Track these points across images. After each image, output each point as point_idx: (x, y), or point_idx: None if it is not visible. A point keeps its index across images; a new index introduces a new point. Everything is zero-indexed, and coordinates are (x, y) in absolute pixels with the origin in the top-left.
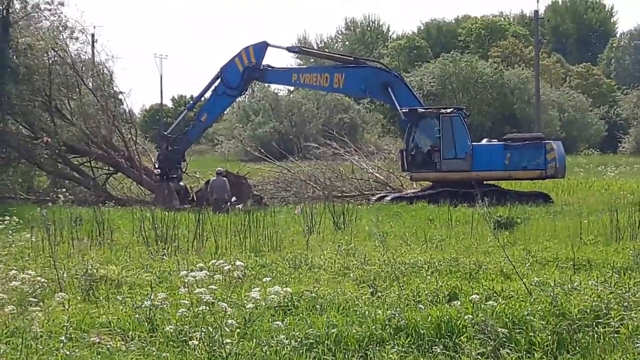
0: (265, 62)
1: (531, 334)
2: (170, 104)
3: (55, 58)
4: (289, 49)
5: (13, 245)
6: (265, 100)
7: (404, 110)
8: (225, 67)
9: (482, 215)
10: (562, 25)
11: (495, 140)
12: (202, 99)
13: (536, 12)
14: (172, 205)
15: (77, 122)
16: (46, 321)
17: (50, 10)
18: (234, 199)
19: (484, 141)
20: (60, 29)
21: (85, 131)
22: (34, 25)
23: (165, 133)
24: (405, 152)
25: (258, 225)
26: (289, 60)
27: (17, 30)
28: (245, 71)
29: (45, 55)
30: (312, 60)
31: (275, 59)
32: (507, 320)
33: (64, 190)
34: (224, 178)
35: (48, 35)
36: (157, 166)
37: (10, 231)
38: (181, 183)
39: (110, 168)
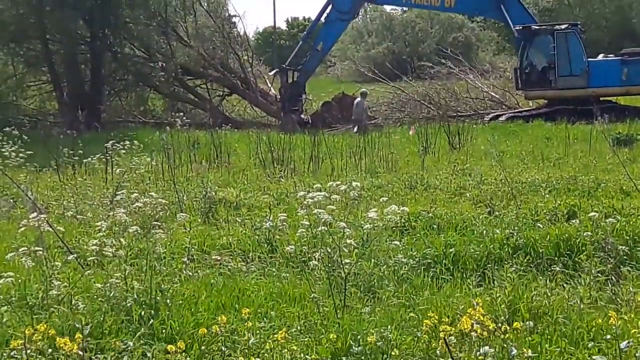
0: None
1: None
2: (284, 26)
3: None
4: None
5: (135, 170)
6: (378, 20)
7: (518, 28)
8: None
9: (601, 132)
10: None
11: (612, 55)
12: (316, 27)
13: None
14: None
15: (194, 44)
16: (169, 242)
17: None
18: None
19: (600, 57)
20: None
21: (202, 53)
22: None
23: (284, 66)
24: (519, 70)
25: (373, 147)
26: None
27: None
28: None
29: None
30: None
31: None
32: (627, 237)
33: (181, 114)
34: (364, 101)
35: None
36: (279, 99)
37: (129, 155)
38: (302, 115)
39: (226, 90)
